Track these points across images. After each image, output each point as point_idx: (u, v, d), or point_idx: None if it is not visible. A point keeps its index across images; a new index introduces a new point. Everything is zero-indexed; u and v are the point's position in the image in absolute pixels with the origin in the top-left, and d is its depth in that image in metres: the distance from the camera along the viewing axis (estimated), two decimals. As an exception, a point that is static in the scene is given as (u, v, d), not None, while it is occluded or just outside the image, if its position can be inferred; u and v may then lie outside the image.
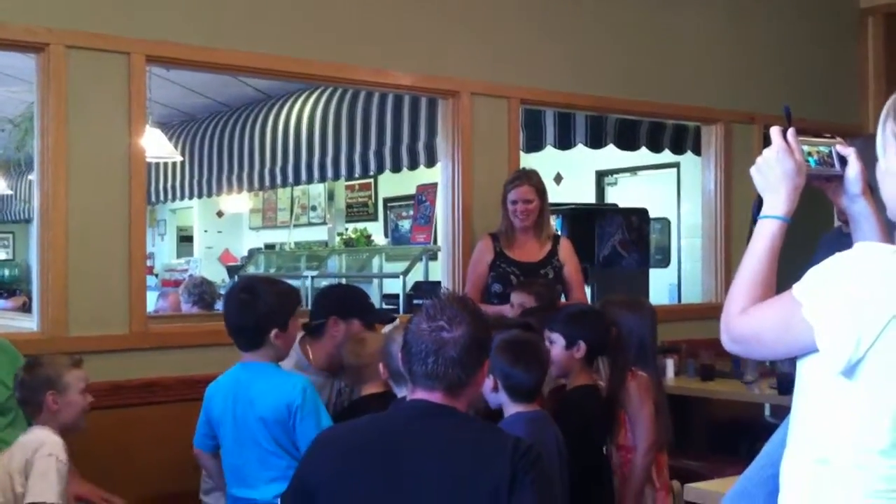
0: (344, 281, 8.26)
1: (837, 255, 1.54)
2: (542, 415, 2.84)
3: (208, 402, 3.03)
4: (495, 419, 2.78)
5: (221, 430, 2.98)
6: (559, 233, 5.08)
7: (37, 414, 2.91)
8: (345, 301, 3.51)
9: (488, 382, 2.76)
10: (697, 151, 5.97)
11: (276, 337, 2.94)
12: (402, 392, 2.69)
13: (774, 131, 1.76)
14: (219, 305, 7.83)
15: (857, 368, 1.48)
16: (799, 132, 1.77)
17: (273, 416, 2.86)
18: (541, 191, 4.35)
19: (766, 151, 1.77)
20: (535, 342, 2.96)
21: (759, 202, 1.77)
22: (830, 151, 1.79)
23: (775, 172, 1.74)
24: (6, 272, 13.13)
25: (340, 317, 3.36)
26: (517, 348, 2.81)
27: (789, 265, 1.77)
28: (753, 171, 1.78)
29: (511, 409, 2.80)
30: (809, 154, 1.76)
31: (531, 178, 4.34)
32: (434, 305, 2.09)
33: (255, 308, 2.94)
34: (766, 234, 1.71)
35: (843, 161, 1.78)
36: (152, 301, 6.84)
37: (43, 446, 2.76)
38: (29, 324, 3.87)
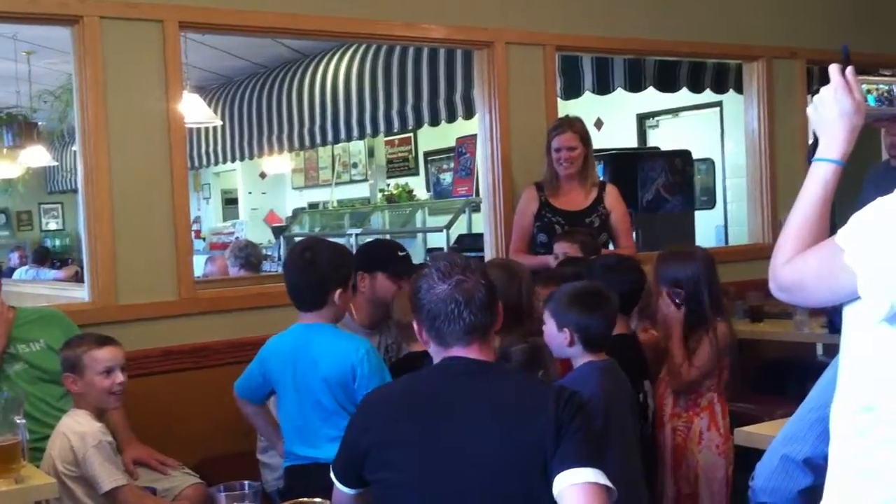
0: (388, 237, 8.30)
1: (881, 199, 1.50)
2: (613, 363, 2.85)
3: (265, 361, 3.05)
4: None
5: (281, 390, 3.01)
6: (603, 179, 5.02)
7: (73, 394, 2.95)
8: (368, 255, 3.53)
9: (561, 337, 2.77)
10: (740, 89, 5.87)
11: (338, 297, 2.97)
12: None
13: (833, 69, 1.69)
14: (266, 266, 7.96)
15: None
16: (858, 71, 1.70)
17: (336, 377, 2.88)
18: (584, 138, 4.30)
19: (823, 90, 1.70)
20: (603, 291, 2.96)
21: (816, 144, 1.71)
22: (891, 89, 1.73)
23: (832, 112, 1.68)
24: (57, 242, 13.36)
25: (366, 271, 3.37)
26: (590, 299, 2.81)
27: (835, 201, 1.72)
28: (810, 110, 1.72)
29: (583, 358, 2.81)
30: (868, 92, 1.70)
31: (574, 125, 4.29)
32: (441, 264, 2.10)
33: (320, 267, 2.96)
34: (818, 179, 1.66)
35: None
36: (200, 265, 6.95)
37: (85, 437, 2.80)
38: (80, 293, 3.94)
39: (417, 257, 6.18)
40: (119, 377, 2.94)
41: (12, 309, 3.27)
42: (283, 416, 3.05)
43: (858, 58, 1.70)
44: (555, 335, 2.80)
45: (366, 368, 2.88)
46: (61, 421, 2.91)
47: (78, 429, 2.82)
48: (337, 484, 2.14)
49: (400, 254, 3.45)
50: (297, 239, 8.59)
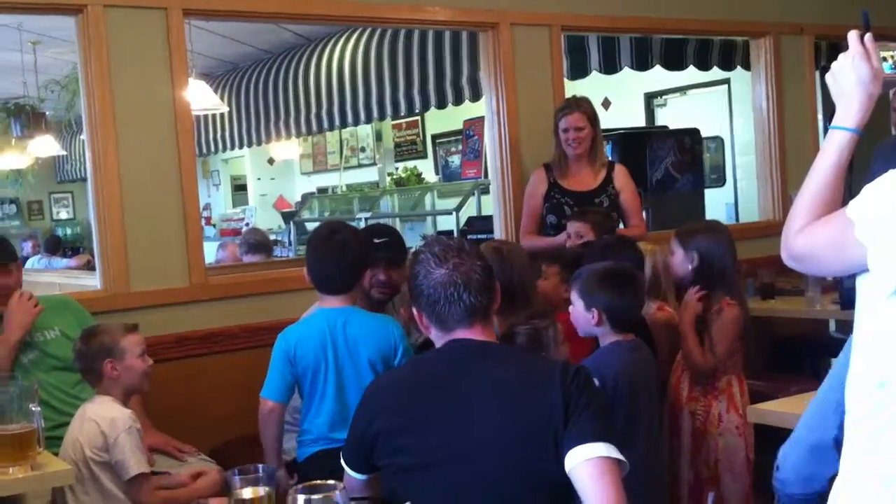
0: (398, 220, 8.31)
1: (891, 171, 1.49)
2: (640, 343, 2.86)
3: (294, 351, 2.99)
4: None
5: (318, 377, 2.99)
6: (612, 159, 5.01)
7: (98, 382, 2.95)
8: None
9: (589, 316, 2.78)
10: (747, 66, 5.83)
11: (366, 277, 3.00)
12: None
13: (852, 35, 1.67)
14: (276, 252, 7.98)
15: None
16: (878, 38, 1.68)
17: (380, 356, 2.92)
18: (592, 118, 4.29)
19: (841, 56, 1.68)
20: (631, 271, 2.96)
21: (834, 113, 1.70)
22: None
23: (850, 79, 1.66)
24: (68, 231, 13.41)
25: None
26: (620, 279, 2.83)
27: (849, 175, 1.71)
28: (828, 77, 1.70)
29: (610, 337, 2.82)
30: (884, 59, 1.68)
31: (581, 106, 4.28)
32: (436, 249, 2.09)
33: (352, 248, 2.99)
34: (833, 147, 1.65)
35: None
36: (211, 252, 6.97)
37: (117, 421, 2.82)
38: (92, 282, 3.96)
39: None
40: (149, 360, 3.01)
41: (41, 306, 3.26)
42: (314, 404, 3.03)
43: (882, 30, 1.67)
44: (582, 314, 2.81)
45: (405, 344, 2.95)
46: (86, 407, 2.92)
47: (108, 414, 2.84)
48: (348, 470, 2.15)
49: (375, 240, 3.39)
50: (307, 224, 8.62)
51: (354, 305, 3.03)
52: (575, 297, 2.83)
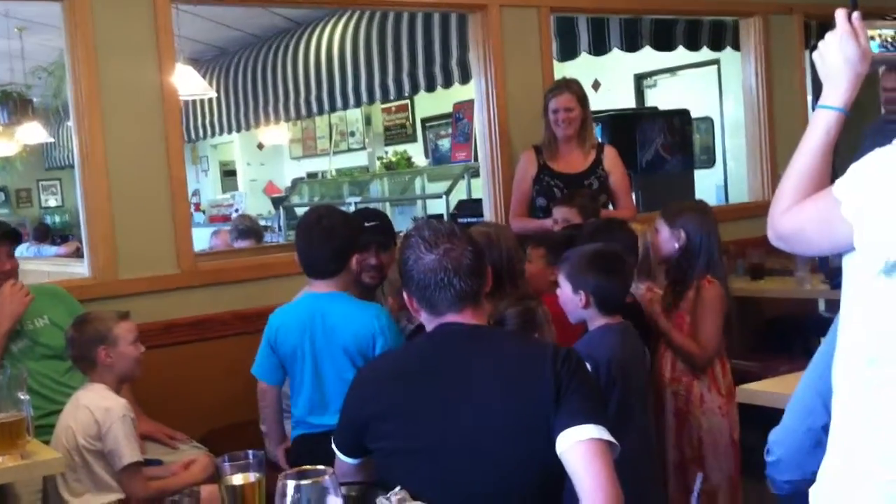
0: (388, 205, 8.29)
1: (878, 150, 1.49)
2: (628, 326, 2.85)
3: (275, 335, 3.04)
4: None
5: (296, 361, 3.00)
6: (602, 141, 5.00)
7: (91, 369, 2.95)
8: None
9: (577, 299, 2.77)
10: (737, 47, 5.83)
11: (355, 262, 2.98)
12: None
13: (839, 14, 1.66)
14: (267, 238, 7.96)
15: None
16: (866, 16, 1.66)
17: (357, 345, 2.90)
18: (581, 99, 4.28)
19: (828, 35, 1.67)
20: (619, 253, 2.95)
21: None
22: None
23: (837, 58, 1.64)
24: (57, 219, 13.35)
25: None
26: (607, 262, 2.81)
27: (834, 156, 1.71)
28: (816, 56, 1.69)
29: (598, 321, 2.81)
30: (872, 38, 1.66)
31: (571, 87, 4.27)
32: (426, 233, 2.07)
33: (339, 233, 2.97)
34: (820, 127, 1.64)
35: None
36: (202, 239, 6.96)
37: (111, 410, 2.82)
38: (81, 269, 3.94)
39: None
40: (141, 346, 3.02)
41: (31, 295, 3.26)
42: (295, 387, 3.05)
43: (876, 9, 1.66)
44: (570, 297, 2.80)
45: (388, 335, 2.90)
46: (79, 395, 2.92)
47: (102, 403, 2.84)
48: (339, 454, 2.15)
49: (366, 224, 3.38)
50: (297, 209, 8.60)
51: (344, 291, 3.02)
52: (562, 279, 2.83)
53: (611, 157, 4.36)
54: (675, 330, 3.37)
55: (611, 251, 2.92)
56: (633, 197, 4.69)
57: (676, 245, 3.44)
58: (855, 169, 1.50)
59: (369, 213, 3.80)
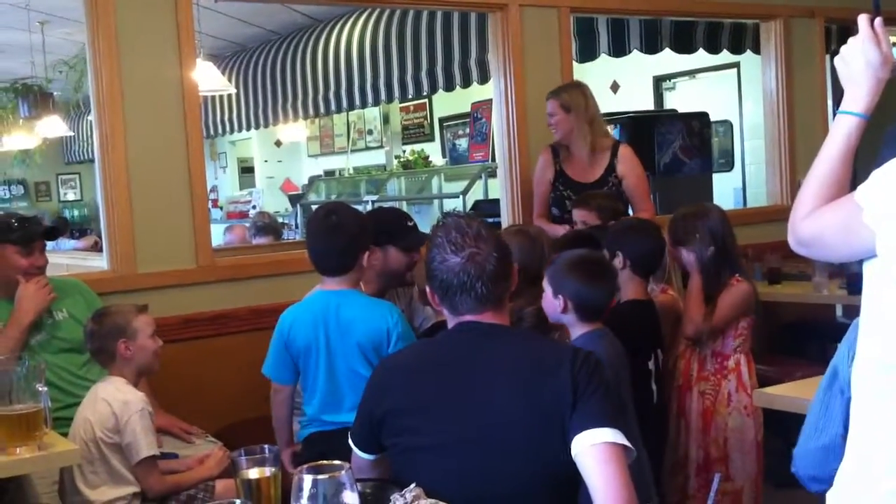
0: (404, 203, 8.30)
1: (900, 157, 1.48)
2: (608, 332, 2.83)
3: (288, 332, 3.04)
4: None
5: (309, 358, 3.00)
6: (620, 139, 4.93)
7: (110, 362, 2.96)
8: (378, 228, 3.48)
9: (556, 303, 2.76)
10: (757, 50, 5.80)
11: (366, 259, 2.98)
12: None
13: (862, 19, 1.66)
14: (287, 234, 7.99)
15: None
16: (889, 22, 1.66)
17: (371, 341, 2.90)
18: (566, 105, 4.20)
19: (851, 40, 1.67)
20: (603, 260, 2.94)
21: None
22: None
23: (859, 63, 1.64)
24: (76, 212, 13.42)
25: (376, 244, 3.28)
26: (589, 268, 2.78)
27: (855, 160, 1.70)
28: (838, 60, 1.69)
29: (578, 329, 2.79)
30: (894, 44, 1.66)
31: (558, 94, 4.23)
32: (453, 235, 2.07)
33: (347, 230, 2.96)
34: (841, 133, 1.64)
35: None
36: (218, 235, 6.98)
37: (129, 404, 2.83)
38: (100, 263, 3.96)
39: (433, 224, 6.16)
40: (159, 340, 3.03)
41: (54, 294, 3.27)
42: (308, 385, 3.05)
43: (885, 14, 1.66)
44: (550, 300, 2.78)
45: (401, 331, 2.90)
46: (98, 387, 2.93)
47: (121, 396, 2.85)
48: (355, 450, 2.16)
49: (408, 224, 3.41)
50: (314, 207, 8.61)
51: (355, 288, 3.02)
52: (545, 281, 2.81)
53: (625, 159, 4.27)
54: (698, 297, 3.37)
55: (595, 258, 2.89)
56: (652, 199, 4.65)
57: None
58: (877, 175, 1.50)
59: (404, 213, 3.77)
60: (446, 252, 2.06)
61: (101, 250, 4.28)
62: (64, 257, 6.12)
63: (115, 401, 2.83)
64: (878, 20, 1.65)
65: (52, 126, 8.42)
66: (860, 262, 1.58)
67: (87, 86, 3.81)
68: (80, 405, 2.92)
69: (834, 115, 1.67)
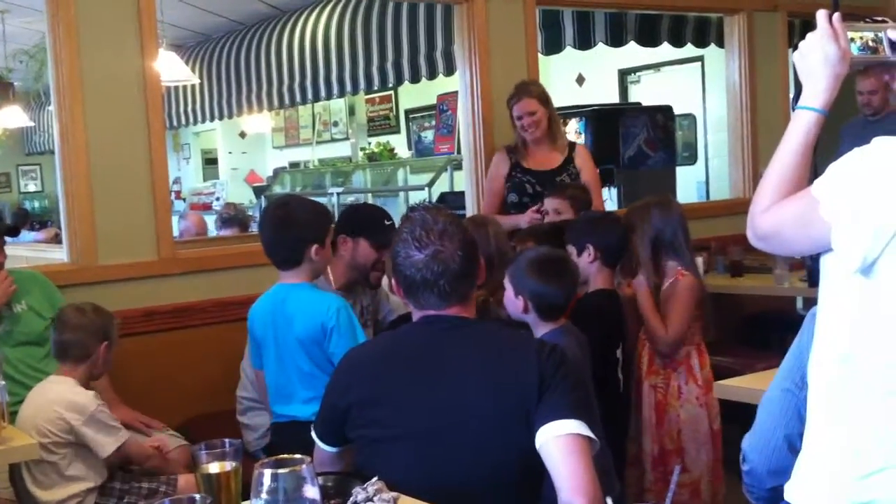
0: (370, 196, 8.28)
1: (856, 150, 1.50)
2: (570, 327, 2.84)
3: (251, 324, 3.07)
4: None
5: (264, 350, 3.02)
6: (576, 139, 4.99)
7: (81, 360, 2.92)
8: (353, 218, 3.48)
9: (517, 303, 2.76)
10: (721, 44, 5.84)
11: (315, 253, 2.94)
12: None
13: (820, 15, 1.66)
14: (252, 227, 7.94)
15: (874, 267, 1.46)
16: (847, 17, 1.67)
17: (309, 336, 2.88)
18: (543, 99, 4.23)
19: (809, 35, 1.68)
20: (563, 258, 2.94)
21: (800, 92, 1.69)
22: (877, 36, 1.69)
23: (817, 58, 1.65)
24: (36, 204, 13.24)
25: (349, 234, 3.31)
26: (547, 267, 2.77)
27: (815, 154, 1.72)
28: (796, 56, 1.70)
29: (541, 328, 2.78)
30: (852, 40, 1.67)
31: (530, 90, 4.23)
32: (418, 231, 2.04)
33: (294, 223, 2.93)
34: (800, 128, 1.65)
35: (894, 46, 1.68)
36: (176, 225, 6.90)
37: (81, 407, 2.80)
38: (60, 255, 3.91)
39: (399, 216, 6.15)
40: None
41: (14, 287, 3.23)
42: (267, 376, 3.07)
43: (857, 10, 1.66)
44: (511, 300, 2.78)
45: (337, 325, 2.85)
46: (46, 387, 2.89)
47: (72, 397, 2.82)
48: (318, 443, 2.15)
49: (386, 222, 3.38)
50: (279, 198, 8.55)
51: (309, 281, 2.98)
52: (506, 280, 2.80)
53: (581, 155, 4.36)
54: (653, 313, 3.41)
55: (555, 256, 2.88)
56: (615, 192, 4.69)
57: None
58: (834, 169, 1.51)
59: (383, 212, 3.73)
60: (410, 248, 2.04)
61: (61, 243, 4.23)
62: (24, 249, 6.04)
63: (65, 404, 2.80)
64: (836, 15, 1.66)
65: (13, 116, 8.31)
66: (819, 256, 1.59)
67: (48, 75, 3.75)
68: (24, 403, 2.88)
69: (794, 109, 1.68)
